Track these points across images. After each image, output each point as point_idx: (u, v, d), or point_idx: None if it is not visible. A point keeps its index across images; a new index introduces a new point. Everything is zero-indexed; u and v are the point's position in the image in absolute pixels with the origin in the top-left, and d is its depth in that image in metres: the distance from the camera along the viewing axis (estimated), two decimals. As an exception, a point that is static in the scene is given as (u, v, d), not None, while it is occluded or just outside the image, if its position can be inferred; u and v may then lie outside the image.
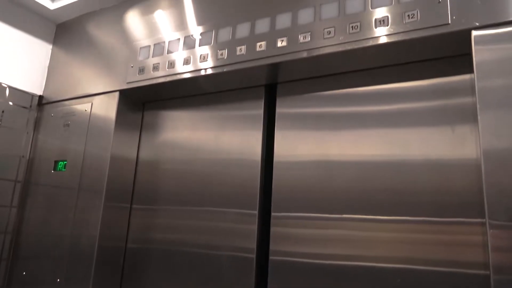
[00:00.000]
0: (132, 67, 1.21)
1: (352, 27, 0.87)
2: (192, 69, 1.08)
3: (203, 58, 1.07)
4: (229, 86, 1.14)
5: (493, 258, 0.65)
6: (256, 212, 1.03)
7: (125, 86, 1.21)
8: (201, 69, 1.06)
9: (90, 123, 1.27)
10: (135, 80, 1.18)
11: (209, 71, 1.05)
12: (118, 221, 1.22)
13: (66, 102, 1.36)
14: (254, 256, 1.00)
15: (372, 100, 0.93)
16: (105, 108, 1.24)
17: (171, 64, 1.12)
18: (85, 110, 1.29)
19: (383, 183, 0.88)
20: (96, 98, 1.28)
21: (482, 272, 0.75)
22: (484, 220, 0.69)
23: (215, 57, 1.05)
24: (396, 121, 0.90)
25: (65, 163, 1.29)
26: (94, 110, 1.27)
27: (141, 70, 1.18)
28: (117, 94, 1.23)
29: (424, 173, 0.84)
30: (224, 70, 1.02)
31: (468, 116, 0.82)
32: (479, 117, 0.70)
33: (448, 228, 0.80)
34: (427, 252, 0.81)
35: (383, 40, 0.82)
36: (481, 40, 0.73)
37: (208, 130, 1.17)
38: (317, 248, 0.93)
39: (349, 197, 0.91)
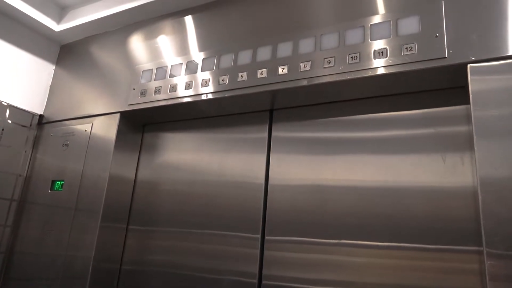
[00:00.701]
0: (134, 89, 1.23)
1: (352, 57, 0.89)
2: (193, 93, 1.10)
3: (205, 83, 1.09)
4: (231, 111, 1.15)
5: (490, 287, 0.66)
6: (259, 236, 1.02)
7: (126, 108, 1.22)
8: (202, 94, 1.08)
9: (89, 143, 1.27)
10: (137, 102, 1.20)
11: (210, 96, 1.07)
12: (114, 242, 1.21)
13: (67, 122, 1.37)
14: (256, 281, 0.99)
15: (367, 126, 0.96)
16: (106, 129, 1.25)
17: (173, 88, 1.14)
18: (85, 131, 1.30)
19: (376, 209, 0.89)
20: (96, 119, 1.29)
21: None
22: (480, 248, 0.70)
23: (217, 82, 1.07)
24: (390, 148, 0.92)
25: (62, 183, 1.28)
26: (94, 131, 1.28)
27: (143, 93, 1.20)
28: (118, 115, 1.24)
29: (417, 199, 0.85)
30: (226, 95, 1.04)
31: (460, 145, 0.84)
32: (476, 147, 0.72)
33: (441, 256, 0.81)
34: (420, 279, 0.82)
35: (381, 71, 0.85)
36: (477, 71, 0.76)
37: (210, 153, 1.18)
38: (309, 273, 0.93)
39: (342, 222, 0.92)
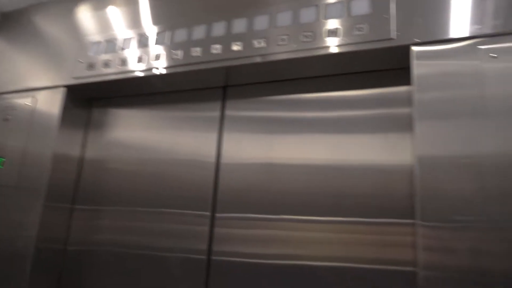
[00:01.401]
0: (81, 62, 1.16)
1: (305, 35, 0.90)
2: (145, 67, 1.06)
3: (157, 58, 1.05)
4: (184, 87, 1.13)
5: (421, 256, 0.70)
6: (208, 213, 1.02)
7: (72, 82, 1.16)
8: (154, 68, 1.05)
9: (32, 118, 1.20)
10: (83, 75, 1.14)
11: (163, 71, 1.04)
12: (59, 222, 1.16)
13: (7, 95, 1.28)
14: (205, 257, 0.99)
15: (317, 106, 0.98)
16: (50, 103, 1.18)
17: (123, 62, 1.10)
18: (27, 105, 1.22)
19: (324, 186, 0.92)
20: (40, 92, 1.21)
21: (410, 269, 0.80)
22: (414, 221, 0.74)
23: (170, 57, 1.04)
24: (338, 127, 0.94)
25: (2, 160, 1.21)
26: (37, 105, 1.21)
27: (91, 66, 1.14)
28: (63, 89, 1.17)
29: (362, 177, 0.89)
30: (179, 70, 1.01)
31: (404, 125, 0.88)
32: (415, 127, 0.76)
33: (381, 229, 0.85)
34: (362, 251, 0.86)
35: (333, 50, 0.86)
36: (421, 55, 0.79)
37: (161, 130, 1.15)
38: (259, 248, 0.95)
39: (292, 199, 0.94)
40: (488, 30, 0.74)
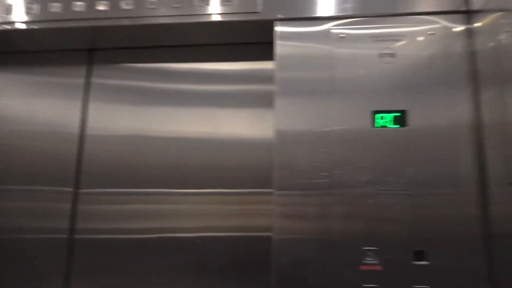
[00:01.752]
0: None
1: (176, 1, 0.87)
2: (-4, 21, 0.92)
3: (8, 10, 0.92)
4: (45, 46, 1.01)
5: (275, 222, 0.75)
6: (70, 189, 0.95)
7: None
8: (5, 23, 0.92)
9: None
10: None
11: (16, 26, 0.91)
12: None
13: None
14: (66, 236, 0.93)
15: (189, 78, 0.96)
16: None
17: (-31, 12, 0.94)
18: None
19: (193, 159, 0.92)
20: None
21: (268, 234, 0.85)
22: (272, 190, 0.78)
23: (24, 10, 0.92)
24: (208, 101, 0.94)
25: None
26: None
27: None
28: None
29: (229, 150, 0.91)
30: (32, 26, 0.90)
31: (270, 101, 0.91)
32: (275, 103, 0.79)
33: (245, 199, 0.89)
34: (227, 220, 0.89)
35: (201, 19, 0.85)
36: (283, 36, 0.81)
37: (18, 97, 1.02)
38: (127, 224, 0.92)
39: (161, 173, 0.93)
40: (343, 12, 0.80)
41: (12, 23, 0.92)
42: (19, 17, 0.92)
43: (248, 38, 0.91)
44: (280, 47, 0.81)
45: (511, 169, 0.62)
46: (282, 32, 0.82)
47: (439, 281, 0.69)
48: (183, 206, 0.91)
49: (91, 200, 0.94)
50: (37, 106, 1.01)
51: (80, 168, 0.96)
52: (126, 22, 0.88)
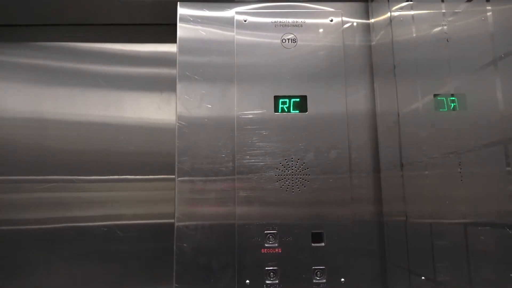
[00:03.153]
0: None
1: (79, -25, 0.81)
2: None
3: None
4: None
5: (177, 209, 0.73)
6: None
7: None
8: None
9: None
10: None
11: None
12: None
13: None
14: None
15: (93, 59, 0.92)
16: None
17: None
18: None
19: (97, 143, 0.88)
20: None
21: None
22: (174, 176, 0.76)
23: None
24: (114, 83, 0.91)
25: None
26: None
27: None
28: None
29: (136, 135, 0.88)
30: None
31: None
32: (177, 86, 0.77)
33: (151, 185, 0.87)
34: (133, 207, 0.87)
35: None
36: (185, 18, 0.79)
37: None
38: (30, 213, 0.86)
39: (63, 158, 0.88)
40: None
41: None
42: None
43: (154, 19, 0.88)
44: (181, 30, 0.79)
45: (398, 154, 0.66)
46: (184, 15, 0.79)
47: (335, 261, 0.72)
48: (86, 194, 0.86)
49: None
50: None
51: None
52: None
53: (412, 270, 0.62)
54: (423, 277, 0.58)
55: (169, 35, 0.86)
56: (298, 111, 0.76)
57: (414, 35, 0.59)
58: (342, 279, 0.71)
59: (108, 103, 0.89)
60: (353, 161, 0.75)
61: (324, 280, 0.71)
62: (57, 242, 0.85)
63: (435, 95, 0.54)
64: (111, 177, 0.87)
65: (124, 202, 0.86)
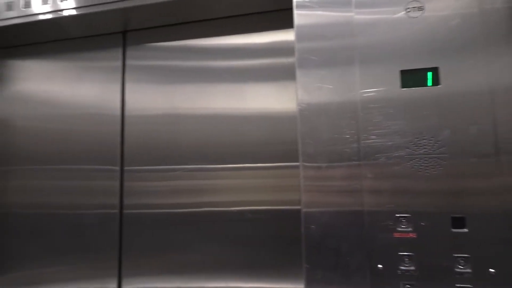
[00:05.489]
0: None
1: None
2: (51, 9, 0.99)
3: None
4: (83, 33, 1.07)
5: (303, 195, 0.73)
6: (117, 167, 1.02)
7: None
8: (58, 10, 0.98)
9: None
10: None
11: (69, 12, 0.97)
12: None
13: None
14: (117, 211, 1.00)
15: (216, 55, 0.98)
16: None
17: (26, 3, 1.02)
18: None
19: (226, 134, 0.94)
20: None
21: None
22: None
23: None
24: (238, 77, 0.95)
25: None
26: None
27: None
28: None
29: (259, 124, 0.92)
30: (71, 13, 0.96)
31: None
32: (296, 75, 0.76)
33: (278, 172, 0.90)
34: (262, 194, 0.91)
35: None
36: (301, 5, 0.77)
37: (62, 83, 1.10)
38: (168, 199, 0.96)
39: (196, 149, 0.96)
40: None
41: (61, 10, 0.98)
42: (69, 4, 0.97)
43: (269, 6, 0.91)
44: (298, 17, 0.77)
45: None
46: (300, 1, 0.78)
47: (481, 250, 0.64)
48: (217, 181, 0.94)
49: (134, 177, 1.00)
50: (82, 90, 1.08)
51: (123, 148, 1.02)
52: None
53: None
54: None
55: (285, 21, 0.86)
56: (429, 85, 0.69)
57: None
58: (492, 270, 0.63)
59: (234, 97, 0.95)
60: (499, 137, 0.65)
61: (469, 270, 0.64)
62: (192, 225, 0.94)
63: None
64: (238, 165, 0.93)
65: (252, 188, 0.91)
